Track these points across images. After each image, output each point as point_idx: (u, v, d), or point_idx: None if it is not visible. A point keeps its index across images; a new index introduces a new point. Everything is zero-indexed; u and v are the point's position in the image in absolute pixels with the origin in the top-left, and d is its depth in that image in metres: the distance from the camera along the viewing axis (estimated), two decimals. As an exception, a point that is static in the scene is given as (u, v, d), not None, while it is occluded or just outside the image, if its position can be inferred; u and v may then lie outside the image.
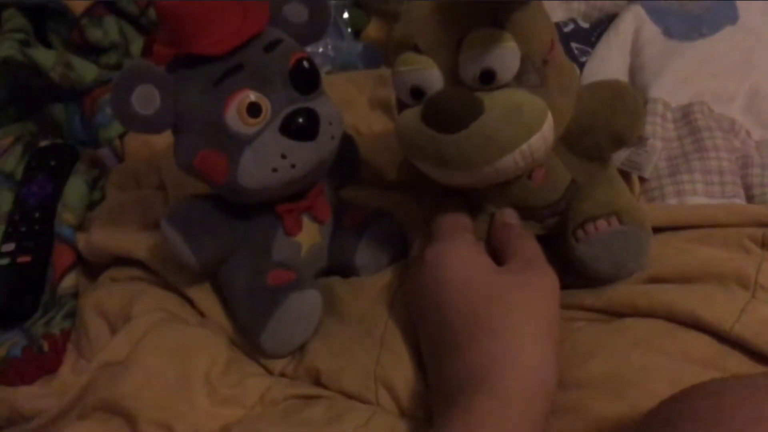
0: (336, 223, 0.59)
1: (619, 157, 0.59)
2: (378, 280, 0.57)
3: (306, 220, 0.55)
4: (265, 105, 0.48)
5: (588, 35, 0.71)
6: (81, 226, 0.71)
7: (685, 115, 0.63)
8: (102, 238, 0.65)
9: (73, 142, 0.81)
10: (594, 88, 0.49)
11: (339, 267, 0.59)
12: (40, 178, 0.74)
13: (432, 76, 0.43)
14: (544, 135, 0.43)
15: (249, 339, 0.55)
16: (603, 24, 0.73)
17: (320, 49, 0.81)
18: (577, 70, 0.50)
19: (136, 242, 0.62)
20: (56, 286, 0.66)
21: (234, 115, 0.47)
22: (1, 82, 0.78)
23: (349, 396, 0.51)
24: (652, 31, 0.69)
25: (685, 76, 0.65)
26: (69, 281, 0.67)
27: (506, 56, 0.41)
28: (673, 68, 0.65)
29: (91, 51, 0.83)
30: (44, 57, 0.75)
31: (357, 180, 0.62)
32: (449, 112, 0.41)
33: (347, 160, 0.59)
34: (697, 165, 0.59)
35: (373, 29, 0.85)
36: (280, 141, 0.48)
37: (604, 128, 0.47)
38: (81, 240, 0.67)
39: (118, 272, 0.64)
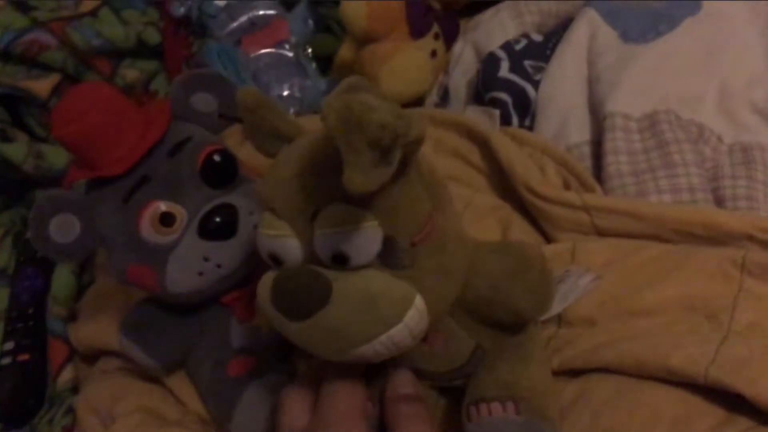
0: None
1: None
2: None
3: None
4: (179, 212, 0.47)
5: (542, 49, 0.67)
6: (72, 316, 0.72)
7: (652, 125, 0.59)
8: (86, 331, 0.66)
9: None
10: (498, 253, 0.43)
11: None
12: (30, 271, 0.75)
13: (288, 245, 0.38)
14: (408, 325, 0.37)
15: (221, 428, 0.55)
16: (557, 34, 0.68)
17: (285, 92, 0.80)
18: (468, 242, 0.42)
19: (115, 334, 0.63)
20: (55, 382, 0.68)
21: (149, 229, 0.47)
22: (-20, 179, 0.79)
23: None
24: (607, 35, 0.64)
25: (645, 82, 0.60)
26: (67, 375, 0.68)
27: (361, 239, 0.36)
28: (631, 75, 0.60)
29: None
30: (14, 152, 0.76)
31: None
32: (291, 298, 0.37)
33: None
34: (666, 184, 0.56)
35: (347, 50, 0.83)
36: (200, 244, 0.47)
37: (503, 303, 0.42)
38: (71, 333, 0.68)
39: (107, 363, 0.64)
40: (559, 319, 0.52)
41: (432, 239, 0.38)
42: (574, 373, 0.49)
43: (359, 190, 0.31)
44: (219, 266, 0.48)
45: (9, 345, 0.71)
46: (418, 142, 0.33)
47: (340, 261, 0.36)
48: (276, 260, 0.39)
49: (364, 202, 0.35)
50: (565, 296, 0.51)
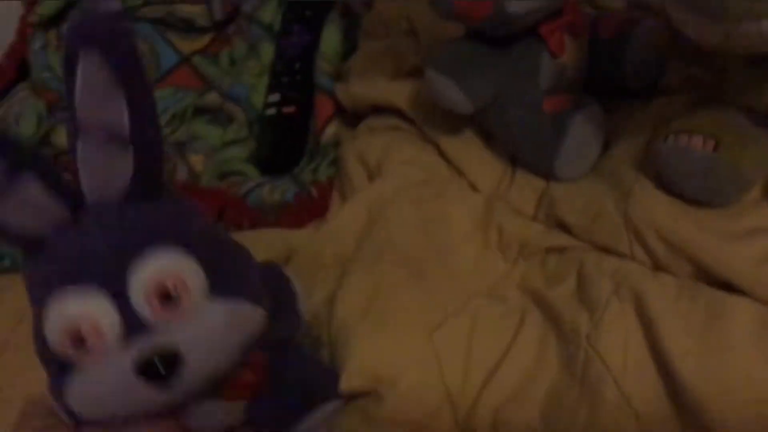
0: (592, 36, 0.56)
1: None
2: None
3: (567, 39, 0.53)
4: None
5: None
6: (338, 76, 0.73)
7: None
8: (361, 87, 0.67)
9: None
10: None
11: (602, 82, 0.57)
12: (297, 28, 0.76)
13: None
14: None
15: (538, 170, 0.56)
16: None
17: None
18: None
19: (395, 91, 0.64)
20: (320, 136, 0.70)
21: None
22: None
23: (602, 248, 0.50)
24: None
25: None
26: (331, 130, 0.70)
27: None
28: None
29: None
30: None
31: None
32: None
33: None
34: None
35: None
36: None
37: None
38: (340, 90, 0.70)
39: (375, 121, 0.66)
40: None
41: None
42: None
43: None
44: None
45: (274, 97, 0.73)
46: None
47: None
48: None
49: None
50: None
